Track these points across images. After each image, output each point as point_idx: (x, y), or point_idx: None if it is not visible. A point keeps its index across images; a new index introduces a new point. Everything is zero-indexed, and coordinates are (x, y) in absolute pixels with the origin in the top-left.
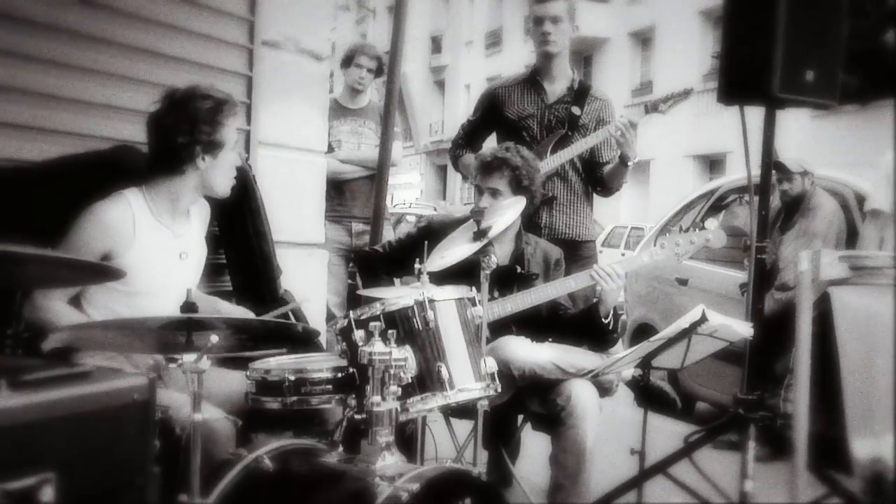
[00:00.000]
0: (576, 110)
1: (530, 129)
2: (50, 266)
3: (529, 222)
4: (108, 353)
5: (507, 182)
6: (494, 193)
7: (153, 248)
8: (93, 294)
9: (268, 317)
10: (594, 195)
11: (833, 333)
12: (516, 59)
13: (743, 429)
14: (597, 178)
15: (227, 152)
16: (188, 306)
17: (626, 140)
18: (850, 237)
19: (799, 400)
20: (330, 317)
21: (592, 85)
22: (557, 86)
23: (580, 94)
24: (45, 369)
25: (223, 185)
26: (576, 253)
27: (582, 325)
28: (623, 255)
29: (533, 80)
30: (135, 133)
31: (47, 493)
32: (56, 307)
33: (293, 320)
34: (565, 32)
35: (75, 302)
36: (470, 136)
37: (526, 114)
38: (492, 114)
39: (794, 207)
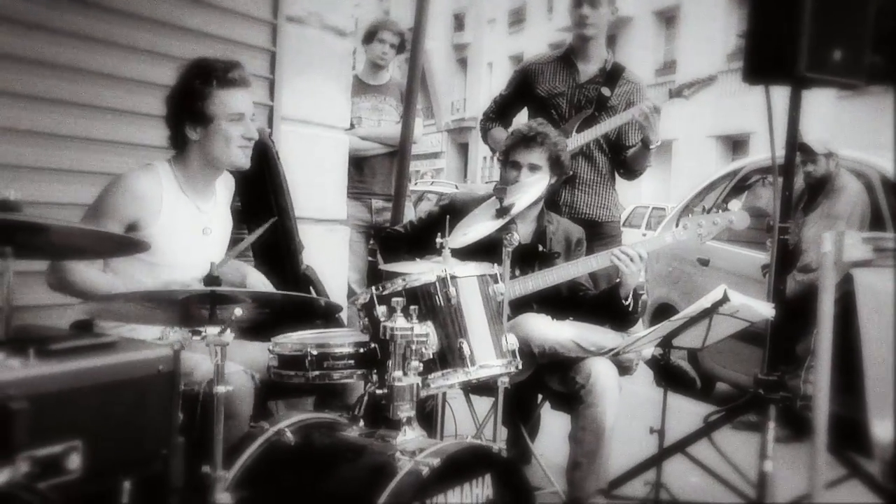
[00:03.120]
0: (605, 91)
1: (559, 107)
2: (74, 237)
3: (548, 200)
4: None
5: (547, 157)
6: (533, 168)
7: (178, 221)
8: (117, 263)
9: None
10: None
11: (855, 316)
12: (539, 37)
13: (763, 409)
14: (621, 160)
15: (222, 123)
16: (211, 279)
17: (648, 123)
18: (875, 219)
19: (820, 381)
20: (350, 293)
21: (626, 67)
22: (591, 66)
23: (612, 75)
24: (72, 339)
25: (228, 157)
26: (598, 232)
27: (602, 305)
28: (644, 235)
29: (567, 59)
30: (158, 107)
31: (74, 460)
32: (88, 272)
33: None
34: (604, 16)
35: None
36: (501, 110)
37: (556, 92)
38: (524, 89)
39: (818, 189)
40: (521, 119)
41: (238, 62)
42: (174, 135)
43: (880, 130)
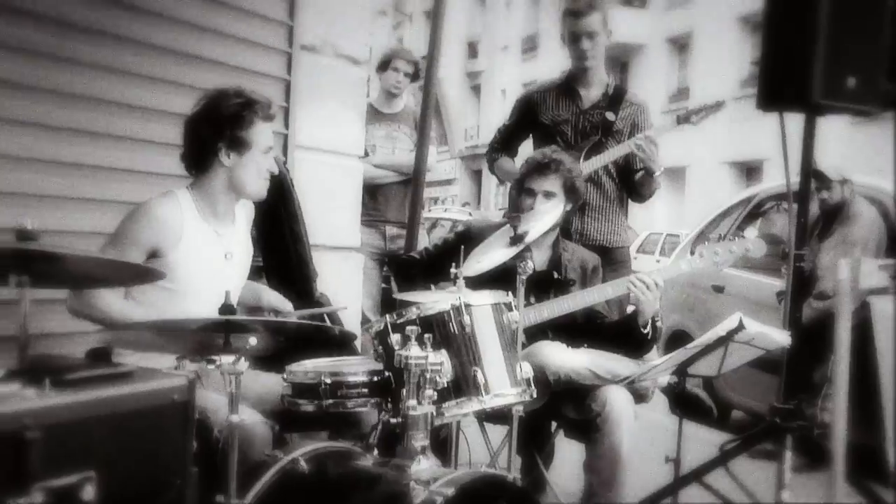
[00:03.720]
0: (610, 116)
1: (565, 134)
2: (90, 266)
3: (562, 228)
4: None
5: (562, 184)
6: (549, 195)
7: (199, 248)
8: (138, 291)
9: (305, 313)
10: (629, 201)
11: (872, 343)
12: (552, 64)
13: (779, 438)
14: (631, 184)
15: (257, 154)
16: (226, 308)
17: (646, 155)
18: (891, 245)
19: (837, 410)
20: (364, 321)
21: (628, 90)
22: (593, 91)
23: (615, 99)
24: (88, 369)
25: (253, 187)
26: (609, 258)
27: (620, 333)
28: (658, 261)
29: (568, 86)
30: (173, 136)
31: (88, 491)
32: (109, 299)
33: (327, 319)
34: (601, 45)
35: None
36: (506, 141)
37: (561, 119)
38: (528, 118)
39: (834, 215)
40: (526, 148)
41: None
42: (200, 158)
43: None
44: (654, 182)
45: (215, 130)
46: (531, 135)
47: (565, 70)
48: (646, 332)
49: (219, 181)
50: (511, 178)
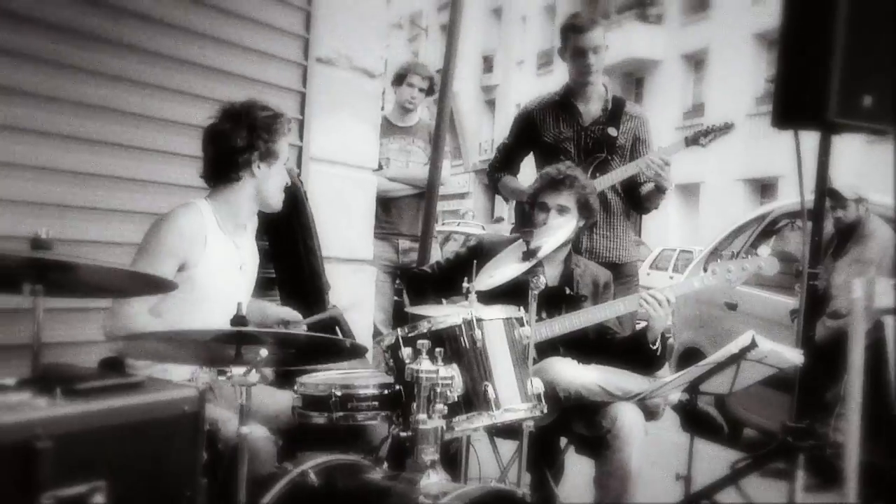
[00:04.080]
0: (612, 131)
1: (568, 152)
2: (103, 275)
3: (573, 245)
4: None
5: (576, 200)
6: (562, 211)
7: (219, 259)
8: (161, 302)
9: (310, 321)
10: (634, 214)
11: (886, 363)
12: (567, 79)
13: (792, 457)
14: (636, 198)
15: (281, 165)
16: (238, 320)
17: (659, 177)
18: None
19: (850, 429)
20: (376, 333)
21: (626, 101)
22: (592, 106)
23: (615, 113)
24: (99, 379)
25: (276, 197)
26: (617, 273)
27: (629, 349)
28: (671, 277)
29: (567, 102)
30: (189, 147)
31: (98, 501)
32: (136, 314)
33: (338, 333)
34: (603, 58)
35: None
36: (507, 159)
37: (563, 137)
38: (528, 136)
39: (848, 234)
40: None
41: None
42: (229, 168)
43: None
44: (661, 197)
45: (250, 141)
46: (532, 152)
47: (562, 85)
48: (655, 348)
49: (245, 192)
50: (518, 196)
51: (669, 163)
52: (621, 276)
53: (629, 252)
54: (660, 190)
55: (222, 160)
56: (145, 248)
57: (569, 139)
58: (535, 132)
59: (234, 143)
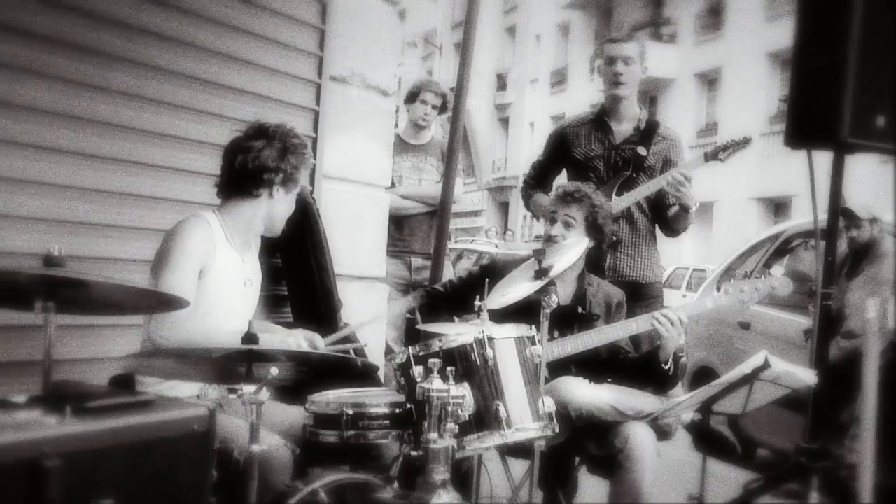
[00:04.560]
0: (641, 151)
1: (598, 169)
2: (114, 292)
3: (593, 265)
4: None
5: (584, 216)
6: (568, 224)
7: (226, 272)
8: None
9: (328, 340)
10: (660, 235)
11: None
12: (581, 97)
13: (805, 478)
14: (664, 219)
15: (294, 194)
16: (249, 337)
17: (680, 193)
18: None
19: (865, 450)
20: (388, 351)
21: (661, 123)
22: (625, 126)
23: (647, 133)
24: (109, 397)
25: (281, 224)
26: (641, 293)
27: (641, 368)
28: (684, 296)
29: (600, 120)
30: (202, 164)
31: None
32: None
33: (351, 351)
34: (636, 74)
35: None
36: (540, 176)
37: (593, 154)
38: (561, 152)
39: (862, 254)
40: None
41: None
42: (249, 186)
43: None
44: (688, 217)
45: (279, 162)
46: (565, 170)
47: (597, 104)
48: (667, 367)
49: (258, 210)
50: (544, 214)
51: (690, 178)
52: (645, 296)
53: (654, 272)
54: (684, 209)
55: (246, 174)
56: (165, 262)
57: (599, 157)
58: (567, 149)
59: (264, 161)
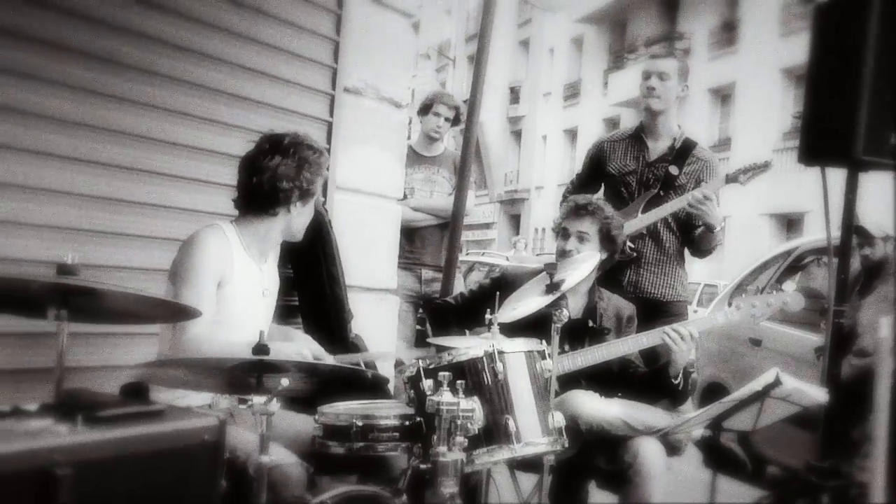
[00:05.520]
0: (673, 170)
1: (630, 185)
2: (127, 301)
3: (612, 279)
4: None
5: (598, 229)
6: (582, 238)
7: (244, 282)
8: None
9: (340, 359)
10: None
11: None
12: (593, 111)
13: (816, 496)
14: (691, 239)
15: (313, 202)
16: (260, 348)
17: (702, 212)
18: None
19: (876, 469)
20: (398, 363)
21: (698, 144)
22: (660, 143)
23: (682, 153)
24: (120, 406)
25: (302, 232)
26: (663, 311)
27: (651, 383)
28: (696, 311)
29: (637, 137)
30: (218, 174)
31: None
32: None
33: (361, 362)
34: (672, 90)
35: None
36: (579, 190)
37: (627, 170)
38: (597, 167)
39: (875, 272)
40: None
41: None
42: (268, 200)
43: None
44: (714, 238)
45: (295, 178)
46: (603, 184)
47: (619, 118)
48: (676, 382)
49: (277, 225)
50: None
51: (711, 197)
52: (667, 314)
53: (677, 291)
54: (709, 229)
55: (263, 193)
56: (184, 275)
57: (632, 173)
58: (604, 163)
59: (280, 181)
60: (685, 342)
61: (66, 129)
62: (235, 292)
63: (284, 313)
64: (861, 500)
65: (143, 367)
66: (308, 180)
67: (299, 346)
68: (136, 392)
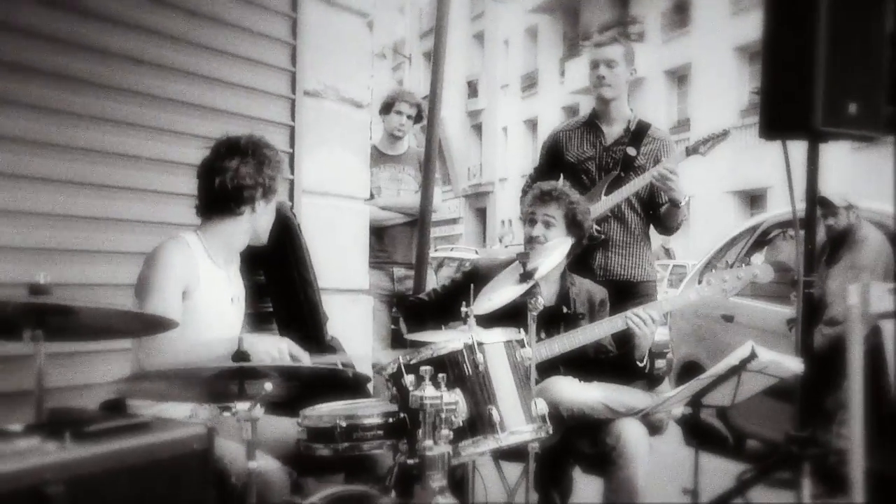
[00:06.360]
0: (631, 151)
1: (589, 171)
2: (103, 318)
3: (582, 264)
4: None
5: (563, 214)
6: (548, 224)
7: (211, 291)
8: (152, 339)
9: (318, 361)
10: (653, 234)
11: (885, 367)
12: (552, 100)
13: (796, 467)
14: (657, 217)
15: (275, 201)
16: (240, 355)
17: (667, 186)
18: None
19: (854, 436)
20: (376, 365)
21: (652, 124)
22: (615, 127)
23: (637, 134)
24: (107, 421)
25: (267, 232)
26: (633, 292)
27: (620, 367)
28: (666, 292)
29: (592, 124)
30: (180, 185)
31: None
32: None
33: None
34: (621, 76)
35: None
36: (538, 181)
37: (585, 157)
38: (555, 157)
39: (840, 241)
40: None
41: None
42: (230, 202)
43: None
44: (679, 213)
45: (257, 177)
46: (561, 174)
47: (578, 105)
48: (642, 365)
49: (242, 226)
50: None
51: (676, 172)
52: (637, 295)
53: (646, 271)
54: (674, 204)
55: (226, 194)
56: (149, 287)
57: (591, 159)
58: (561, 153)
59: (242, 179)
60: (647, 326)
61: (21, 147)
62: (204, 301)
63: (258, 320)
64: (840, 467)
65: (122, 383)
66: (270, 177)
67: (275, 340)
68: (116, 408)
